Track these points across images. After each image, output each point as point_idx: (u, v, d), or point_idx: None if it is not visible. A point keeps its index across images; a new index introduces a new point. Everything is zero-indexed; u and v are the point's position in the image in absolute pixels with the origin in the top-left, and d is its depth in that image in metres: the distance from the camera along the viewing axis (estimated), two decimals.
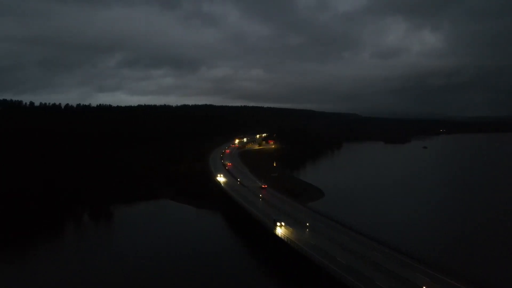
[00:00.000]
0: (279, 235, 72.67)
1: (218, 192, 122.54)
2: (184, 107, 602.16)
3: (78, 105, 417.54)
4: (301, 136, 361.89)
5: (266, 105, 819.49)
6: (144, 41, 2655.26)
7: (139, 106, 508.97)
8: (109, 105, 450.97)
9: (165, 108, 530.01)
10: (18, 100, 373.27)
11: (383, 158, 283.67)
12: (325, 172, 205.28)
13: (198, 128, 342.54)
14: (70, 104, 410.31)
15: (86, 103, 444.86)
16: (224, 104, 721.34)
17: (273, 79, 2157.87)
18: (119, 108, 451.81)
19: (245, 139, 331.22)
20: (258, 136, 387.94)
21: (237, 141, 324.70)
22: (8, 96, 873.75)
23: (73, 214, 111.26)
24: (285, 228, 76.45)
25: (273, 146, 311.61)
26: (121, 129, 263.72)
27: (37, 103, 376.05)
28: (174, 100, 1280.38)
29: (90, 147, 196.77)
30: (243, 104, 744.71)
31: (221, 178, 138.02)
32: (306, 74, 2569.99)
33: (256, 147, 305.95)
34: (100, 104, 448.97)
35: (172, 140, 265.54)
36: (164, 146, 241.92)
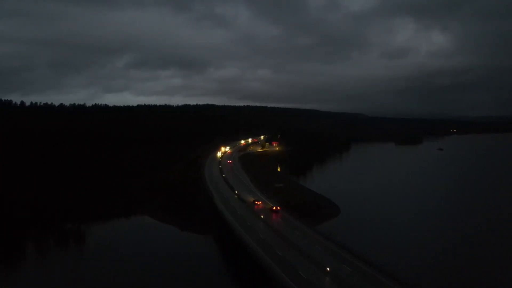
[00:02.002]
0: None
1: (210, 209, 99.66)
2: (185, 107, 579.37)
3: (73, 104, 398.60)
4: (307, 137, 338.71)
5: (270, 105, 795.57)
6: (153, 43, 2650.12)
7: (138, 106, 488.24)
8: (105, 104, 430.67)
9: (166, 108, 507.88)
10: (8, 100, 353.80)
11: (398, 161, 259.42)
12: (336, 179, 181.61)
13: (197, 129, 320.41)
14: (64, 104, 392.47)
15: (92, 103, 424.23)
16: (228, 104, 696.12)
17: (280, 80, 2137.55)
18: (116, 108, 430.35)
19: (242, 142, 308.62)
20: (262, 137, 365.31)
21: (237, 143, 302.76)
22: (15, 97, 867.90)
23: (29, 237, 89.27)
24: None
25: (277, 148, 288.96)
26: (113, 131, 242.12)
27: (39, 104, 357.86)
28: (179, 101, 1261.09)
29: (75, 150, 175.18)
30: (247, 104, 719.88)
31: (215, 190, 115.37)
32: (313, 74, 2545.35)
33: (259, 149, 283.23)
34: (95, 104, 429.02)
35: (168, 142, 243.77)
36: (158, 148, 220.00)
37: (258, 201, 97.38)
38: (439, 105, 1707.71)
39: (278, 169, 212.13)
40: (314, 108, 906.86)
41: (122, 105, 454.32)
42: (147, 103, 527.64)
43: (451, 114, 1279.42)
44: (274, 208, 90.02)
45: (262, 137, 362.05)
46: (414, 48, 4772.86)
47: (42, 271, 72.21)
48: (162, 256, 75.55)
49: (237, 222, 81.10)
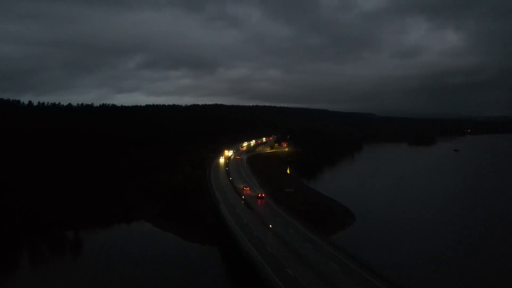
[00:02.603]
0: None
1: (215, 217, 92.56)
2: (194, 106, 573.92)
3: (80, 105, 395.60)
4: (317, 137, 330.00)
5: (280, 105, 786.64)
6: (165, 43, 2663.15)
7: (147, 106, 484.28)
8: (112, 104, 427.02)
9: (174, 108, 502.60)
10: (16, 100, 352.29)
11: (413, 163, 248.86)
12: (349, 182, 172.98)
13: (204, 129, 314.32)
14: (71, 104, 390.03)
15: (100, 103, 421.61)
16: (237, 104, 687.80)
17: (290, 80, 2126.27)
18: (123, 108, 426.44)
19: (252, 142, 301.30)
20: (264, 139, 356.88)
21: (245, 144, 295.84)
22: (29, 98, 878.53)
23: (23, 245, 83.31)
24: None
25: (286, 149, 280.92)
26: (118, 131, 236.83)
27: (46, 104, 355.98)
28: (189, 101, 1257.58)
29: (76, 151, 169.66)
30: (256, 104, 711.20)
31: (221, 195, 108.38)
32: (323, 74, 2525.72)
33: (268, 150, 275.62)
34: (103, 104, 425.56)
35: (175, 143, 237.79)
36: (164, 149, 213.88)
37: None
38: (452, 104, 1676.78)
39: (288, 171, 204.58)
40: (324, 108, 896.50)
41: (129, 105, 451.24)
42: (156, 103, 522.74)
43: (463, 114, 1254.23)
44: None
45: (264, 138, 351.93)
46: (426, 47, 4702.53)
47: (33, 282, 65.97)
48: (163, 268, 68.44)
49: (242, 232, 73.83)
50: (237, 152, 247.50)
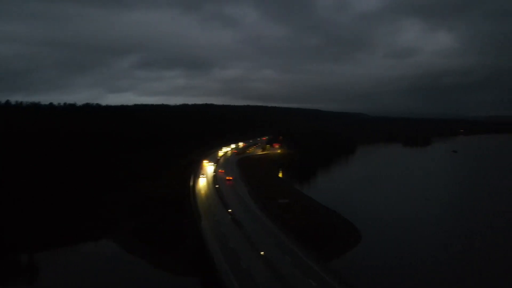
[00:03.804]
0: None
1: (196, 236, 77.42)
2: (183, 106, 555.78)
3: (63, 104, 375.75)
4: (310, 138, 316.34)
5: (273, 105, 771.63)
6: (161, 43, 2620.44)
7: (135, 106, 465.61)
8: (98, 104, 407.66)
9: (162, 108, 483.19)
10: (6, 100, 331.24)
11: (413, 166, 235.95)
12: (347, 187, 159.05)
13: (194, 130, 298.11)
14: (53, 104, 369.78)
15: (99, 103, 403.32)
16: (229, 104, 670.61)
17: (284, 80, 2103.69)
18: (109, 107, 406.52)
19: (240, 144, 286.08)
20: (250, 140, 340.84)
21: (236, 145, 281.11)
22: (21, 97, 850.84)
23: None
24: None
25: (279, 151, 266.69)
26: (102, 132, 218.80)
27: (27, 103, 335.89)
28: (181, 101, 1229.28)
29: (55, 156, 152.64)
30: (248, 104, 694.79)
31: (204, 208, 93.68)
32: (318, 75, 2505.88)
33: (259, 152, 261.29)
34: (87, 103, 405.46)
35: (161, 145, 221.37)
36: (149, 152, 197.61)
37: None
38: (445, 104, 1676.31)
39: (280, 175, 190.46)
40: (317, 108, 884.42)
41: (116, 105, 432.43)
42: (144, 103, 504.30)
43: (457, 113, 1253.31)
44: None
45: (250, 141, 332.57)
46: (420, 48, 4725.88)
47: None
48: None
49: (227, 261, 59.17)
50: (227, 153, 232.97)
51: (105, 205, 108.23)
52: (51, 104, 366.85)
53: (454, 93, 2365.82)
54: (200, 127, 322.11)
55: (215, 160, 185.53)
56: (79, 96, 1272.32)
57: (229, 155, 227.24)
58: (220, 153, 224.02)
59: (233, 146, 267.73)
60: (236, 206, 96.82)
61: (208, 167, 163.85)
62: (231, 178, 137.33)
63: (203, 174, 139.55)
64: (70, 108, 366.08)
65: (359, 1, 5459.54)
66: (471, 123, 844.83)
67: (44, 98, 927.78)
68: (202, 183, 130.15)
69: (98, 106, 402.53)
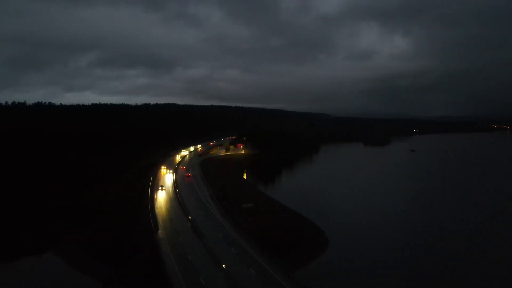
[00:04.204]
0: None
1: (152, 249, 70.45)
2: (144, 106, 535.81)
3: (11, 103, 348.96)
4: (274, 138, 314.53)
5: (236, 104, 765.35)
6: (122, 41, 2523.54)
7: (93, 105, 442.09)
8: (49, 102, 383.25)
9: (122, 108, 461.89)
10: None
11: (375, 165, 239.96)
12: (312, 187, 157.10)
13: (154, 130, 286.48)
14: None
15: (52, 102, 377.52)
16: (192, 103, 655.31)
17: (248, 80, 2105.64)
18: (62, 107, 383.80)
19: (199, 146, 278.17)
20: (227, 138, 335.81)
21: (198, 146, 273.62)
22: None
23: None
24: None
25: (243, 152, 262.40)
26: (54, 133, 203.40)
27: None
28: (144, 100, 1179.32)
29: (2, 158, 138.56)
30: (212, 104, 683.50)
31: (162, 215, 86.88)
32: (281, 75, 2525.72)
33: (223, 152, 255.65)
34: (38, 102, 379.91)
35: (119, 146, 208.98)
36: (105, 154, 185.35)
37: None
38: (401, 105, 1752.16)
39: (244, 176, 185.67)
40: (281, 108, 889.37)
41: (71, 104, 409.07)
42: (104, 102, 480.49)
43: (412, 114, 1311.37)
44: None
45: (211, 143, 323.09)
46: (378, 51, 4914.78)
47: None
48: None
49: (184, 277, 53.42)
50: (189, 155, 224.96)
51: (49, 212, 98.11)
52: None
53: (409, 94, 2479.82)
54: (162, 128, 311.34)
55: (174, 168, 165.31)
56: (34, 94, 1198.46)
57: (189, 158, 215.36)
58: (178, 158, 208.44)
59: (191, 149, 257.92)
60: (197, 212, 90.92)
61: (167, 176, 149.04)
62: (189, 175, 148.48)
63: (161, 186, 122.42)
64: (20, 107, 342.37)
65: (321, 4, 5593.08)
66: (425, 123, 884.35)
67: None
68: (161, 193, 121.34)
69: (51, 105, 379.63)
